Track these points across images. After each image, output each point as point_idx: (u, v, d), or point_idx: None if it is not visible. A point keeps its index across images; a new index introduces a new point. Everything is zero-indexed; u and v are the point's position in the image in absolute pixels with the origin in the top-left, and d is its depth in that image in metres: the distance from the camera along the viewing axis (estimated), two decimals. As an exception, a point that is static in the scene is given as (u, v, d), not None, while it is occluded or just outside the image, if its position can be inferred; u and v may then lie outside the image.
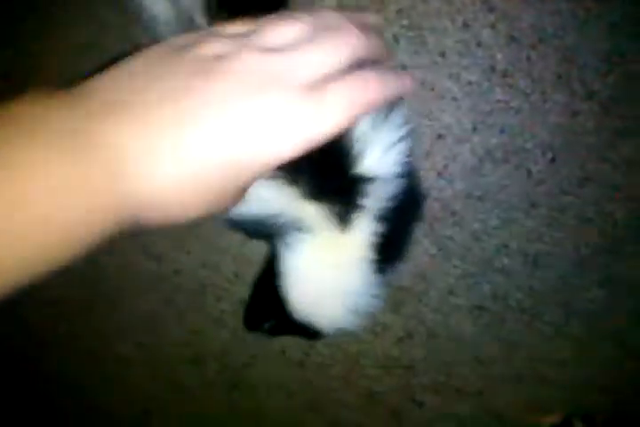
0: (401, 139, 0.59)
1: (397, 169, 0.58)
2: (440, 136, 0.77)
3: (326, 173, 0.54)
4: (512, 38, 0.80)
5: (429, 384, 0.74)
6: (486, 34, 0.80)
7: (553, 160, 0.77)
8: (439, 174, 0.77)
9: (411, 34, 0.79)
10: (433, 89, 0.78)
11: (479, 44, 0.80)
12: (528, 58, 0.80)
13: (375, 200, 0.56)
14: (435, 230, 0.75)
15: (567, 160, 0.77)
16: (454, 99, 0.78)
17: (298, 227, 0.56)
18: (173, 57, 0.33)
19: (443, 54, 0.79)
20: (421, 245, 0.75)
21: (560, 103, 0.79)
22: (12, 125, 0.27)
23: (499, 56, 0.80)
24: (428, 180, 0.76)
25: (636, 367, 0.74)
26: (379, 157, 0.56)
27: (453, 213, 0.76)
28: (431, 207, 0.76)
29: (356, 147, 0.54)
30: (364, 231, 0.56)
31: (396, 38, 0.80)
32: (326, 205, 0.55)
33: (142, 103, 0.30)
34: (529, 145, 0.78)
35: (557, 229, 0.75)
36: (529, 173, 0.77)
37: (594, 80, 0.79)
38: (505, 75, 0.80)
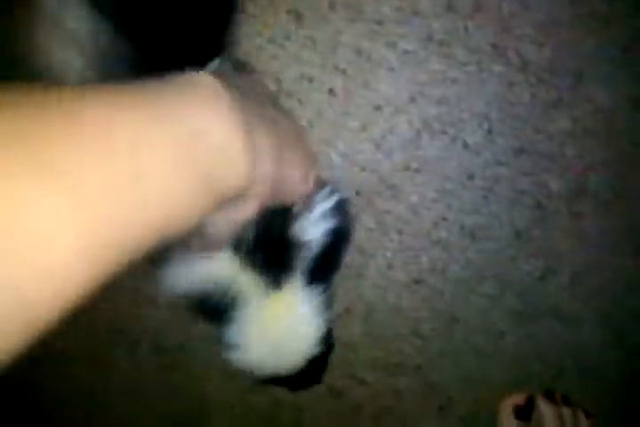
0: (334, 206, 0.58)
1: (330, 227, 0.57)
2: (377, 107, 0.75)
3: (262, 241, 0.53)
4: (449, 7, 0.79)
5: (369, 360, 0.73)
6: (424, 2, 0.78)
7: (489, 131, 0.76)
8: (377, 147, 0.75)
9: (347, 1, 0.77)
10: (370, 58, 0.76)
11: (416, 13, 0.78)
12: (465, 28, 0.79)
13: (306, 256, 0.55)
14: (373, 204, 0.74)
15: (503, 131, 0.77)
16: (391, 68, 0.76)
17: (237, 301, 0.54)
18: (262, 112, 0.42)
19: (379, 22, 0.77)
20: (359, 220, 0.73)
21: (496, 74, 0.78)
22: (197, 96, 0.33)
23: (435, 25, 0.78)
24: (366, 152, 0.74)
25: (573, 337, 0.76)
26: (313, 223, 0.55)
27: (391, 187, 0.74)
28: (369, 181, 0.74)
29: (292, 216, 0.53)
30: (297, 283, 0.56)
31: (332, 6, 0.76)
32: (261, 273, 0.53)
33: (262, 135, 0.38)
34: (466, 116, 0.77)
35: (493, 200, 0.75)
36: (465, 144, 0.76)
37: (529, 50, 0.79)
38: (442, 44, 0.78)
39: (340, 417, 0.73)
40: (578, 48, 0.79)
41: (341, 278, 0.73)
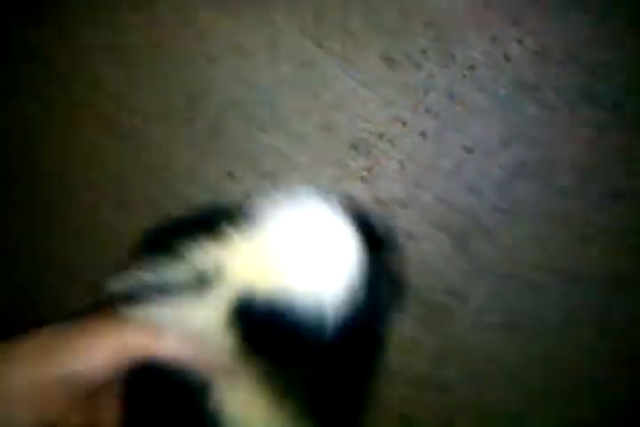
0: None
1: None
2: (469, 150, 0.76)
3: None
4: (538, 53, 0.80)
5: (463, 406, 0.72)
6: (513, 48, 0.79)
7: (582, 175, 0.76)
8: (469, 189, 0.75)
9: (438, 46, 0.79)
10: (462, 102, 0.77)
11: (507, 58, 0.79)
12: (555, 72, 0.79)
13: None
14: (466, 246, 0.74)
15: (596, 175, 0.76)
16: (483, 111, 0.77)
17: None
18: None
19: (472, 67, 0.78)
20: (453, 262, 0.73)
21: (588, 118, 0.78)
22: None
23: (526, 70, 0.79)
24: (458, 194, 0.75)
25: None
26: None
27: (484, 229, 0.74)
28: (462, 222, 0.74)
29: None
30: None
31: (424, 51, 0.79)
32: None
33: None
34: (558, 160, 0.76)
35: (590, 245, 0.74)
36: (559, 188, 0.75)
37: (621, 96, 0.79)
38: (533, 89, 0.79)
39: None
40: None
41: (434, 320, 0.73)
